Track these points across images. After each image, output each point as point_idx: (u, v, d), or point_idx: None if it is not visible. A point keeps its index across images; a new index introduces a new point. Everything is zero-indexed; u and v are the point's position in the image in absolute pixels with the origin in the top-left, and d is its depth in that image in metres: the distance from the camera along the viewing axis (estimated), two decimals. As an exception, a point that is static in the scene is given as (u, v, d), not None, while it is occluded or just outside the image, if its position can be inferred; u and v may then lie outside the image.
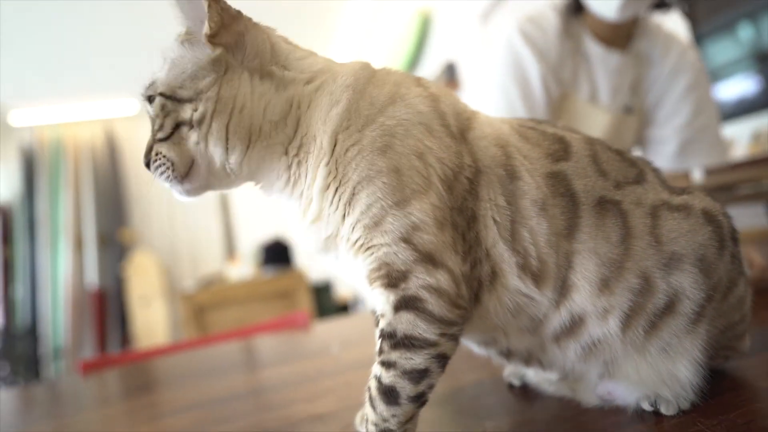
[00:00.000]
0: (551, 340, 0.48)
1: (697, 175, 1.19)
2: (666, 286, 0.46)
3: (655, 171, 0.54)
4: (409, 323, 0.42)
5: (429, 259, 0.42)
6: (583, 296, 0.46)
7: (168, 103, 0.45)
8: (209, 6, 0.43)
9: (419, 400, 0.43)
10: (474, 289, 0.46)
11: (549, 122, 0.54)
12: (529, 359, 0.52)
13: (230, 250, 4.23)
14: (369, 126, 0.44)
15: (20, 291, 4.13)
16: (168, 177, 0.45)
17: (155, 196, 4.58)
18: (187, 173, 0.45)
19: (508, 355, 0.53)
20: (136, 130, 4.66)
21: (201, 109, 0.44)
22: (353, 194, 0.43)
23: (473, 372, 0.66)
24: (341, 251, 0.46)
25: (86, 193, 4.35)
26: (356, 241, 0.43)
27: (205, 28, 0.43)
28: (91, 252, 4.25)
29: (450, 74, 2.86)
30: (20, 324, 4.05)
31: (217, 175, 0.46)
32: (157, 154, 0.45)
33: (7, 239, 4.22)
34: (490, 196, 0.45)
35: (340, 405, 0.61)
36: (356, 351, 0.89)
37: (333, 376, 0.75)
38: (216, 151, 0.45)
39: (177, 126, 0.45)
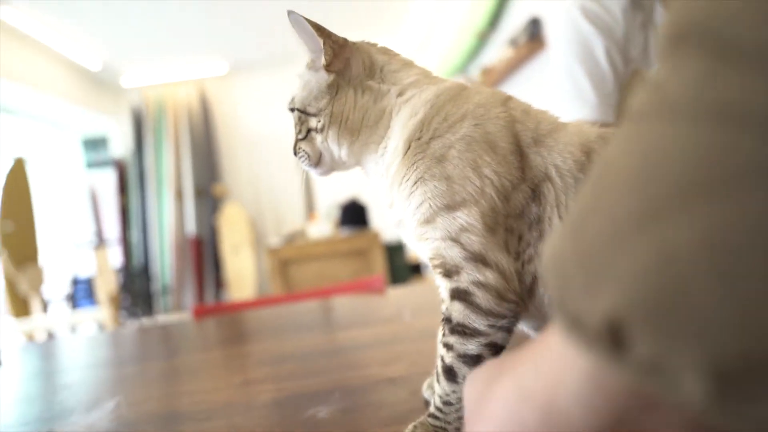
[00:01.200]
0: None
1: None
2: None
3: None
4: (460, 312, 0.47)
5: (478, 258, 0.47)
6: None
7: (302, 116, 0.59)
8: (324, 43, 0.55)
9: None
10: (528, 283, 0.49)
11: None
12: None
13: (309, 208, 4.48)
14: (436, 139, 0.50)
15: (135, 235, 4.74)
16: (307, 164, 0.60)
17: (243, 154, 4.91)
18: (318, 162, 0.59)
19: None
20: (226, 90, 4.94)
21: (322, 121, 0.57)
22: (411, 192, 0.50)
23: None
24: (409, 233, 0.54)
25: (184, 149, 4.78)
26: (415, 230, 0.51)
27: (322, 61, 0.55)
28: (189, 203, 4.73)
29: (533, 30, 2.67)
30: (136, 263, 4.68)
31: (336, 163, 0.60)
32: (299, 149, 0.60)
33: (124, 189, 4.82)
34: (560, 200, 0.48)
35: (411, 370, 0.68)
36: (426, 319, 0.96)
37: (405, 342, 0.82)
38: (333, 148, 0.58)
39: (308, 131, 0.59)
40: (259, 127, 4.90)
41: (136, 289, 4.43)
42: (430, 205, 0.48)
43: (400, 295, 1.33)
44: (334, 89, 0.56)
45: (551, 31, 2.48)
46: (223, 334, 1.15)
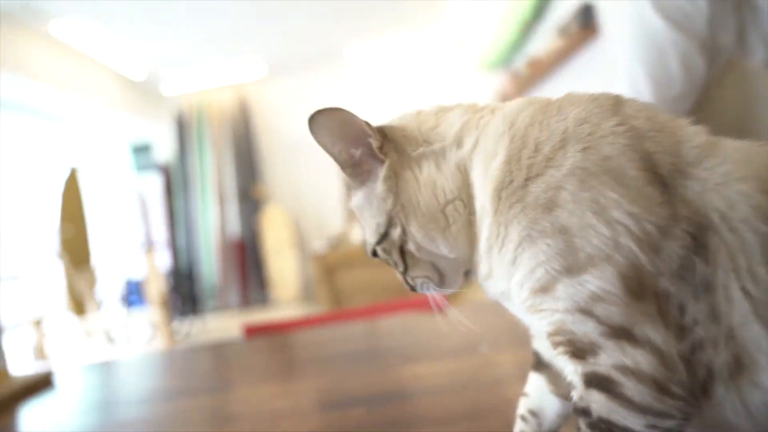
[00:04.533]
0: None
1: None
2: None
3: None
4: (603, 405, 0.35)
5: (622, 334, 0.34)
6: None
7: (384, 245, 0.45)
8: (369, 129, 0.43)
9: None
10: (701, 377, 0.36)
11: None
12: None
13: (350, 211, 4.46)
14: (533, 180, 0.37)
15: (181, 238, 4.88)
16: (435, 287, 0.45)
17: (283, 157, 4.95)
18: (441, 277, 0.45)
19: None
20: (266, 93, 4.98)
21: (399, 225, 0.43)
22: (515, 256, 0.38)
23: None
24: (517, 305, 0.41)
25: (225, 152, 4.86)
26: (525, 300, 0.38)
27: (374, 143, 0.43)
28: (232, 205, 4.82)
29: (585, 19, 2.49)
30: (183, 265, 4.82)
31: (455, 265, 0.45)
32: (413, 279, 0.46)
33: (169, 193, 4.96)
34: (739, 262, 0.34)
35: (506, 430, 0.53)
36: (510, 354, 0.82)
37: (491, 387, 0.70)
38: (432, 247, 0.43)
39: (402, 251, 0.44)
40: (299, 129, 4.85)
41: (184, 291, 4.55)
42: (546, 270, 0.36)
43: (466, 314, 1.23)
44: (392, 182, 0.43)
45: (611, 23, 2.31)
46: (273, 364, 1.08)
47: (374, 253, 0.47)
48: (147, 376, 1.16)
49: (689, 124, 0.39)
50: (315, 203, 4.83)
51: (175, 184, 4.96)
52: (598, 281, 0.34)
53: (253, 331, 1.35)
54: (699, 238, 0.34)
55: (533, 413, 0.49)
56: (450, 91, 4.63)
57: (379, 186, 0.43)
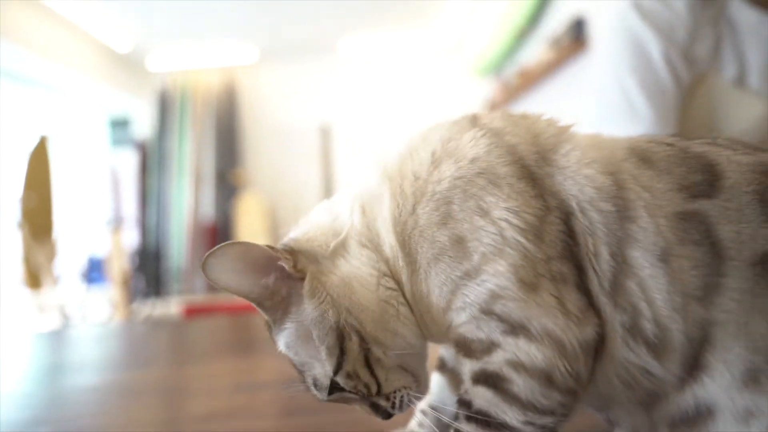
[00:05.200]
0: (666, 425, 0.38)
1: None
2: None
3: None
4: (486, 400, 0.35)
5: (520, 330, 0.34)
6: (718, 384, 0.35)
7: (347, 370, 0.38)
8: (279, 254, 0.38)
9: None
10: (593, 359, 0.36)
11: (703, 139, 0.40)
12: None
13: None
14: (421, 202, 0.38)
15: (152, 217, 4.74)
16: (415, 396, 0.41)
17: (266, 144, 4.86)
18: (416, 379, 0.41)
19: (611, 423, 0.44)
20: (255, 78, 4.89)
21: (353, 333, 0.38)
22: (427, 282, 0.38)
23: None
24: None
25: (207, 134, 4.76)
26: (442, 315, 0.38)
27: (287, 264, 0.38)
28: (208, 188, 4.71)
29: (577, 32, 2.51)
30: (151, 245, 4.68)
31: (420, 355, 0.42)
32: (392, 397, 0.40)
33: (144, 171, 4.82)
34: (587, 245, 0.36)
35: None
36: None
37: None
38: (398, 342, 0.39)
39: (369, 366, 0.39)
40: (285, 117, 4.84)
41: (149, 271, 4.42)
42: (451, 280, 0.36)
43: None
44: (321, 293, 0.39)
45: (599, 35, 2.31)
46: (209, 338, 1.06)
47: (333, 391, 0.39)
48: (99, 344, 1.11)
49: (540, 117, 0.41)
50: (294, 193, 4.75)
51: (151, 162, 4.82)
52: (494, 278, 0.35)
53: (192, 312, 1.29)
54: (567, 223, 0.36)
55: (433, 408, 0.50)
56: (440, 93, 4.61)
57: (308, 305, 0.38)
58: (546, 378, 0.34)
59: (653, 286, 0.35)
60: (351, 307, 0.38)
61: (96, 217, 4.48)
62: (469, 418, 0.36)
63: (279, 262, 0.38)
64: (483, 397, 0.36)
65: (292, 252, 0.39)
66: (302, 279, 0.38)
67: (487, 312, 0.35)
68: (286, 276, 0.39)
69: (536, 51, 3.02)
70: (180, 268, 4.62)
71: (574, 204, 0.37)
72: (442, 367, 0.49)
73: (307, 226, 0.43)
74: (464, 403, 0.37)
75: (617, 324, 0.36)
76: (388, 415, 0.40)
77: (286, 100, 4.84)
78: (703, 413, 0.36)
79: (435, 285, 0.37)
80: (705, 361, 0.35)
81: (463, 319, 0.36)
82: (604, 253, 0.36)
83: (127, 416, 0.64)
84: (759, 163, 0.37)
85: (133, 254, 4.46)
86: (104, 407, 0.69)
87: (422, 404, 0.50)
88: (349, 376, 0.38)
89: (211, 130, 4.75)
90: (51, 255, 3.53)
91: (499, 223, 0.35)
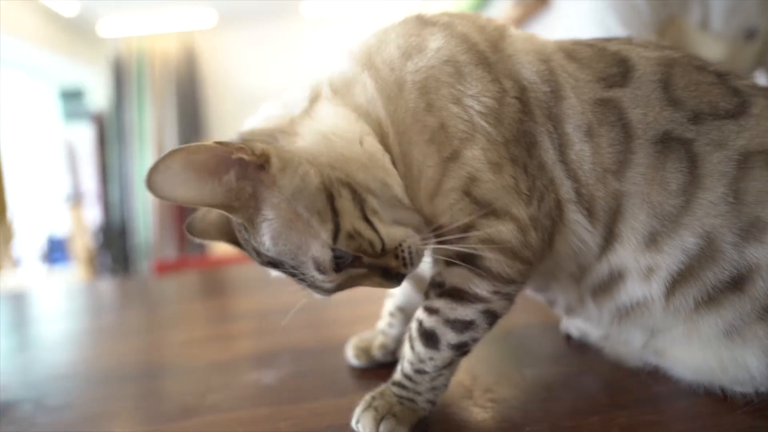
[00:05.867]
0: (590, 293, 0.45)
1: None
2: (737, 257, 0.38)
3: None
4: (459, 277, 0.40)
5: (490, 210, 0.39)
6: (626, 249, 0.41)
7: (348, 229, 0.37)
8: (235, 151, 0.36)
9: (460, 349, 0.41)
10: (548, 230, 0.42)
11: (619, 39, 0.47)
12: (569, 311, 0.49)
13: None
14: (404, 90, 0.41)
15: (114, 192, 4.57)
16: (422, 245, 0.41)
17: (231, 112, 4.72)
18: (420, 231, 0.42)
19: (552, 303, 0.50)
20: (215, 43, 4.71)
21: (344, 188, 0.37)
22: (422, 162, 0.40)
23: (525, 314, 0.63)
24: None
25: (168, 104, 4.57)
26: (427, 202, 0.41)
27: (246, 154, 0.36)
28: (173, 161, 4.56)
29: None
30: (115, 221, 4.53)
31: (413, 213, 0.42)
32: (399, 249, 0.40)
33: (102, 145, 4.62)
34: (541, 116, 0.41)
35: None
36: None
37: (380, 302, 0.72)
38: (387, 192, 0.40)
39: (369, 222, 0.38)
40: (249, 83, 4.68)
41: (115, 248, 4.30)
42: (439, 163, 0.40)
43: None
44: (295, 162, 0.37)
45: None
46: (181, 291, 1.05)
47: (339, 267, 0.38)
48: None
49: (480, 14, 0.46)
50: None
51: (110, 135, 4.61)
52: (471, 161, 0.39)
53: (165, 268, 1.27)
54: (522, 99, 0.41)
55: (401, 309, 0.53)
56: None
57: (283, 180, 0.36)
58: (510, 250, 0.39)
59: (583, 158, 0.41)
60: (333, 161, 0.38)
61: (54, 195, 4.30)
62: (440, 294, 0.40)
63: (234, 156, 0.36)
64: (458, 275, 0.40)
65: (245, 142, 0.38)
66: (266, 162, 0.37)
67: (467, 194, 0.39)
68: (246, 168, 0.37)
69: (502, 9, 3.00)
70: (148, 244, 4.51)
71: (525, 83, 0.41)
72: None
73: (255, 121, 0.43)
74: (437, 283, 0.41)
75: (570, 188, 0.41)
76: (401, 278, 0.41)
77: (250, 65, 4.67)
78: (615, 277, 0.42)
79: (428, 165, 0.40)
80: (617, 230, 0.41)
81: (449, 202, 0.40)
82: (551, 126, 0.41)
83: (110, 352, 0.64)
84: (664, 57, 0.43)
85: (97, 231, 4.32)
86: (88, 347, 0.70)
87: (389, 308, 0.54)
88: (350, 236, 0.37)
89: (172, 99, 4.56)
90: (7, 237, 3.37)
91: (468, 110, 0.39)
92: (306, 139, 0.38)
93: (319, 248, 0.37)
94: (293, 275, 0.39)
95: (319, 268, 0.37)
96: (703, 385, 0.44)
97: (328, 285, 0.38)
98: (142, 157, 4.55)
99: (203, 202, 0.36)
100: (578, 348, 0.55)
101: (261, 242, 0.37)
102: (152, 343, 0.70)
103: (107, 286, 1.32)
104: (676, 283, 0.40)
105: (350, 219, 0.37)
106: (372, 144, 0.40)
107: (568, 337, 0.58)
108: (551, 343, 0.58)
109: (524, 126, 0.40)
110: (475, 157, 0.39)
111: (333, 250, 0.36)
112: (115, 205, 4.57)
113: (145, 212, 4.53)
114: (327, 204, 0.36)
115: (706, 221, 0.38)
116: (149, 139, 4.53)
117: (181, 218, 4.57)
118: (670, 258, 0.39)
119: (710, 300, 0.39)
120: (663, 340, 0.43)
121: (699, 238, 0.38)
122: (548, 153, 0.41)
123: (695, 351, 0.42)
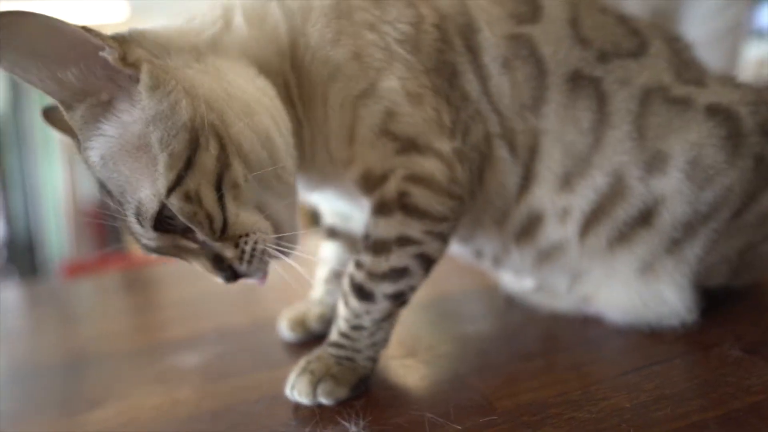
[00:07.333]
0: (513, 239, 0.45)
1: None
2: (644, 190, 0.40)
3: (675, 43, 0.45)
4: (388, 225, 0.38)
5: (411, 146, 0.37)
6: (543, 190, 0.41)
7: (188, 186, 0.32)
8: (104, 40, 0.31)
9: (398, 299, 0.39)
10: (477, 164, 0.41)
11: None
12: (496, 261, 0.49)
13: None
14: (309, 19, 0.37)
15: (17, 203, 4.13)
16: (272, 249, 0.36)
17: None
18: (276, 226, 0.38)
19: (479, 255, 0.50)
20: (125, 37, 4.40)
21: (212, 138, 0.32)
22: (325, 105, 0.38)
23: (459, 279, 0.64)
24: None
25: (77, 104, 4.20)
26: (341, 153, 0.39)
27: (112, 55, 0.31)
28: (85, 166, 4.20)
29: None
30: (20, 235, 4.10)
31: (290, 201, 0.39)
32: (240, 243, 0.34)
33: (0, 150, 4.15)
34: (460, 45, 0.40)
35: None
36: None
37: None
38: (267, 154, 0.36)
39: (220, 193, 0.33)
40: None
41: (24, 265, 3.89)
42: (349, 101, 0.37)
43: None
44: (168, 85, 0.33)
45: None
46: (99, 289, 0.96)
47: (160, 225, 0.32)
48: None
49: None
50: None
51: (8, 140, 4.15)
52: (388, 93, 0.36)
53: (76, 270, 1.17)
54: (441, 27, 0.39)
55: (337, 274, 0.51)
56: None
57: (149, 99, 0.31)
58: (437, 185, 0.37)
59: (502, 91, 0.40)
60: (214, 98, 0.33)
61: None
62: (368, 247, 0.38)
63: (101, 53, 0.31)
64: (386, 223, 0.37)
65: (123, 41, 0.33)
66: (135, 74, 0.32)
67: (385, 132, 0.37)
68: (109, 71, 0.32)
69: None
70: (63, 258, 4.12)
71: (445, 11, 0.40)
72: (333, 233, 0.51)
73: (152, 26, 0.40)
74: (366, 236, 0.39)
75: (496, 123, 0.40)
76: (233, 275, 0.35)
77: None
78: (534, 220, 0.42)
79: (334, 107, 0.37)
80: (536, 170, 0.41)
81: (365, 147, 0.37)
82: (471, 57, 0.40)
83: (24, 350, 0.63)
84: None
85: (0, 247, 3.89)
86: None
87: (323, 274, 0.52)
88: (187, 197, 0.31)
89: (81, 98, 4.20)
90: None
91: (384, 37, 0.37)
92: (194, 70, 0.35)
93: (149, 194, 0.31)
94: (119, 214, 0.33)
95: (138, 217, 0.32)
96: (633, 325, 0.46)
97: (146, 241, 0.33)
98: (50, 163, 4.14)
99: (43, 87, 0.32)
100: (518, 306, 0.56)
101: (86, 154, 0.34)
102: (69, 338, 0.65)
103: (10, 292, 1.19)
104: (589, 223, 0.41)
105: (200, 179, 0.32)
106: (264, 85, 0.37)
107: (508, 298, 0.59)
108: (490, 303, 0.59)
109: (445, 56, 0.39)
110: (392, 88, 0.37)
111: (162, 205, 0.31)
112: (18, 217, 4.13)
113: (57, 224, 4.13)
114: (186, 149, 0.31)
115: (615, 159, 0.39)
116: (56, 143, 4.13)
117: (101, 232, 4.22)
118: (582, 199, 0.40)
119: (622, 237, 0.40)
120: (587, 284, 0.44)
121: (608, 177, 0.39)
122: (472, 84, 0.40)
123: (618, 291, 0.44)
